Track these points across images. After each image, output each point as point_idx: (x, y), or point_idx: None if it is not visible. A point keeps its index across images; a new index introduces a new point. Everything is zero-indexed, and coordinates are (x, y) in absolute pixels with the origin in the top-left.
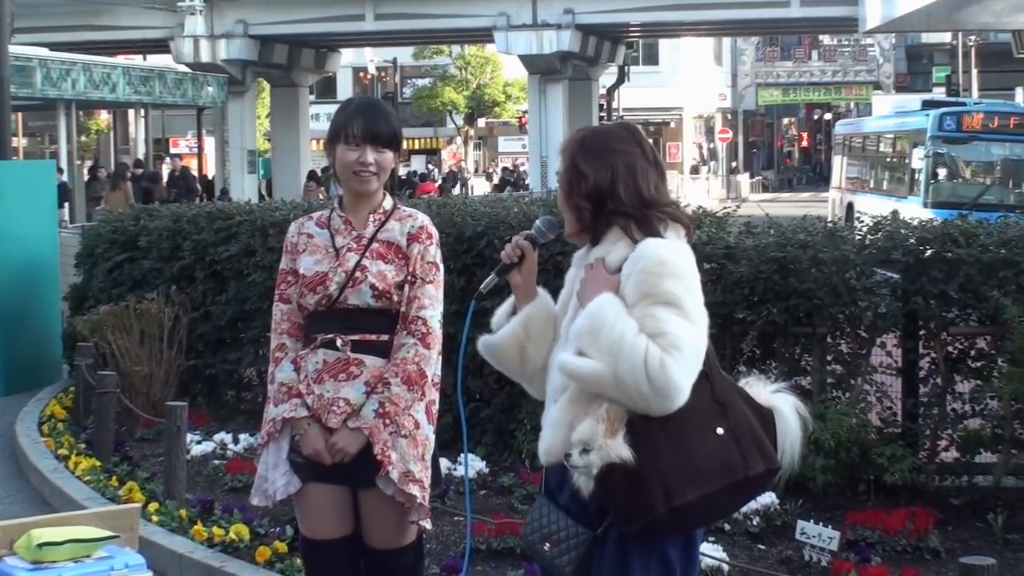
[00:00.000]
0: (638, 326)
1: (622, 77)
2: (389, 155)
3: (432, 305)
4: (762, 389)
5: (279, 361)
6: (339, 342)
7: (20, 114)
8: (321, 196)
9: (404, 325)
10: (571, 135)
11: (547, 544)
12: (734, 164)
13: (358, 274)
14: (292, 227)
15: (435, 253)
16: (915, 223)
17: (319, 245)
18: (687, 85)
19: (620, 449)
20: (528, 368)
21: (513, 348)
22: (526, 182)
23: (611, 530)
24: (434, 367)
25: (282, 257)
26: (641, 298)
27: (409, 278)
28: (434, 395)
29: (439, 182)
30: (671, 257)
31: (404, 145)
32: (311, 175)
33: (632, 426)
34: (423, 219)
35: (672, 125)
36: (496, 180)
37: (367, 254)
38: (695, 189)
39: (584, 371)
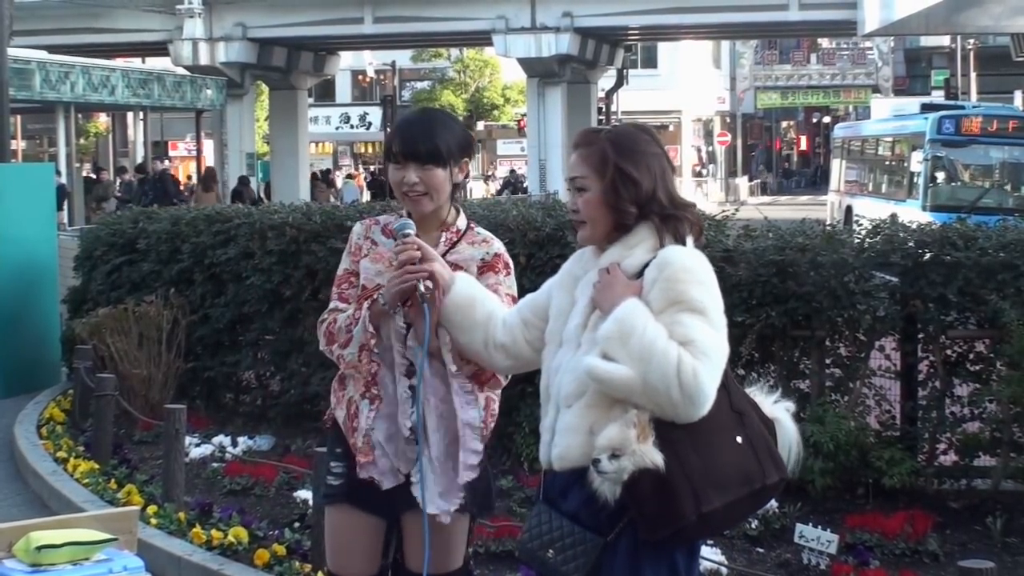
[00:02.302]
0: (667, 332)
1: (621, 80)
2: (437, 172)
3: None
4: (764, 399)
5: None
6: None
7: (19, 117)
8: (332, 198)
9: None
10: (593, 136)
11: (551, 551)
12: (705, 169)
13: None
14: (359, 228)
15: (512, 284)
16: (914, 226)
17: (382, 255)
18: (686, 88)
19: (653, 454)
20: (469, 352)
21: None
22: (525, 185)
23: (623, 536)
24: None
25: (344, 257)
26: (669, 305)
27: None
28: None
29: None
30: (696, 264)
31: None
32: (324, 176)
33: (658, 432)
34: (498, 246)
35: (671, 128)
36: (498, 183)
37: None
38: (694, 192)
39: (612, 376)
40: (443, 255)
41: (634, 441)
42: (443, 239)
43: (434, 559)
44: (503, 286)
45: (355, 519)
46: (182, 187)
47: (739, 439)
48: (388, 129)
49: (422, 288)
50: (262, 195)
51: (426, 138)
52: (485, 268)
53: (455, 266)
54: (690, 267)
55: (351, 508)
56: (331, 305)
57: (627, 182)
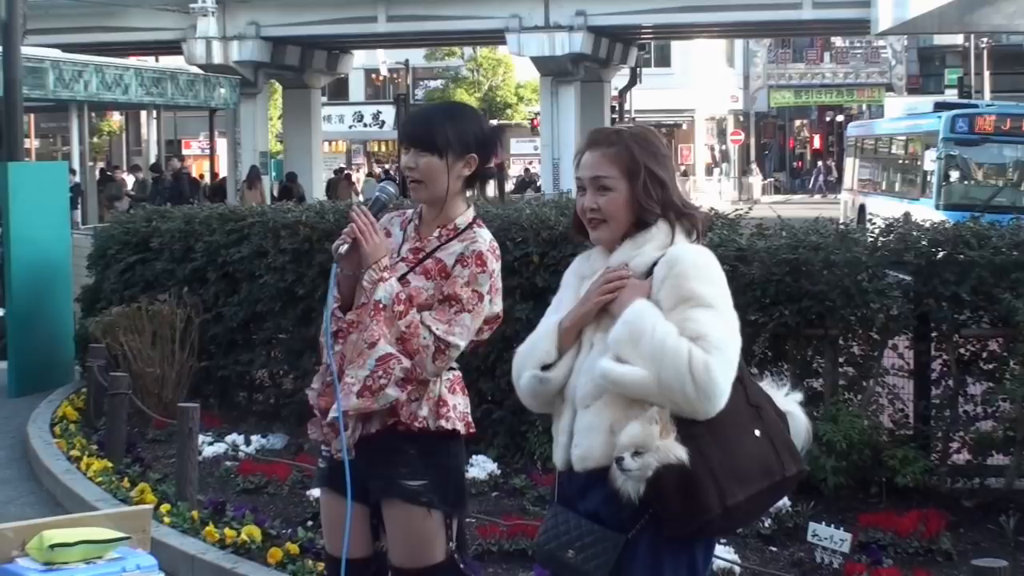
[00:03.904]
0: (677, 330)
1: (634, 79)
2: (431, 160)
3: (463, 336)
4: (776, 394)
5: None
6: None
7: (32, 115)
8: (355, 195)
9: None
10: (615, 136)
11: (571, 551)
12: (718, 167)
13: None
14: (384, 217)
15: (483, 282)
16: (927, 225)
17: (391, 246)
18: (699, 87)
19: (676, 449)
20: (556, 399)
21: (562, 386)
22: (538, 184)
23: (643, 533)
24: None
25: None
26: (679, 302)
27: (450, 302)
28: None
29: None
30: (704, 260)
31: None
32: (344, 174)
33: (678, 428)
34: (482, 245)
35: (684, 127)
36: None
37: (416, 269)
38: (708, 190)
39: (628, 378)
40: (434, 250)
41: (657, 437)
42: (437, 234)
43: (411, 553)
44: (462, 279)
45: (336, 503)
46: (198, 187)
47: (758, 432)
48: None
49: (342, 249)
50: (275, 193)
51: (422, 125)
52: (458, 261)
53: (439, 261)
54: (699, 263)
55: (332, 492)
56: None
57: (656, 183)
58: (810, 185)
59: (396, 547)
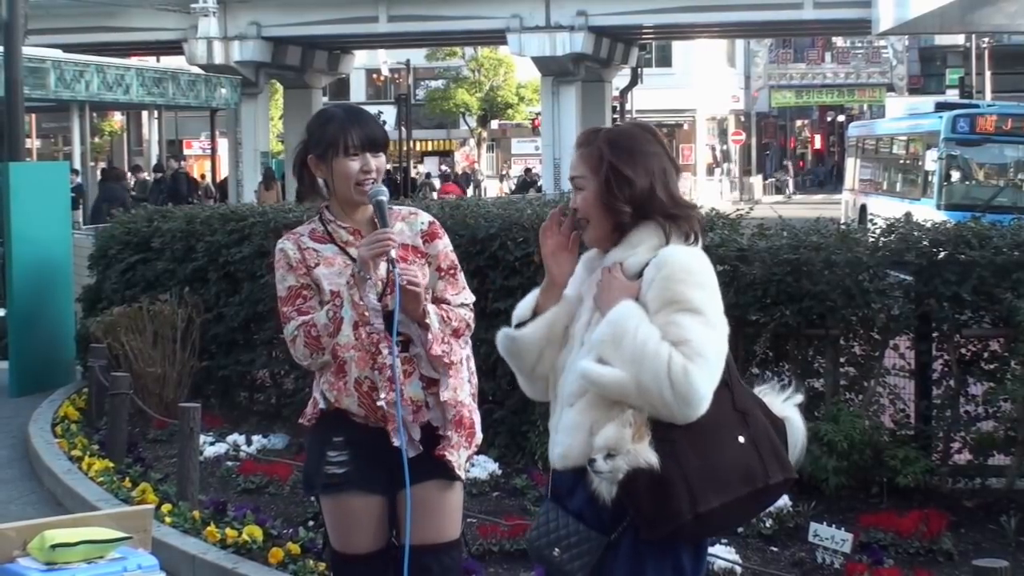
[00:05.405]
0: (660, 333)
1: (635, 79)
2: (383, 159)
3: (468, 293)
4: (775, 398)
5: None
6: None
7: (34, 115)
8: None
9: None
10: (593, 136)
11: (556, 550)
12: (719, 167)
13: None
14: (287, 245)
15: (450, 242)
16: (928, 225)
17: (332, 259)
18: (700, 87)
19: (647, 454)
20: (540, 369)
21: (534, 348)
22: (539, 184)
23: (625, 535)
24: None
25: (285, 277)
26: (665, 305)
27: (448, 272)
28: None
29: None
30: (696, 265)
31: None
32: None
33: (655, 432)
34: (426, 214)
35: (685, 127)
36: (513, 182)
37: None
38: (708, 190)
39: (606, 379)
40: None
41: (629, 441)
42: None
43: (433, 527)
44: (446, 247)
45: (363, 502)
46: (198, 187)
47: (741, 439)
48: (404, 129)
49: (393, 253)
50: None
51: (378, 127)
52: (429, 237)
53: (403, 246)
54: (691, 268)
55: (359, 492)
56: (296, 321)
57: (621, 181)
58: (786, 188)
59: (426, 525)
